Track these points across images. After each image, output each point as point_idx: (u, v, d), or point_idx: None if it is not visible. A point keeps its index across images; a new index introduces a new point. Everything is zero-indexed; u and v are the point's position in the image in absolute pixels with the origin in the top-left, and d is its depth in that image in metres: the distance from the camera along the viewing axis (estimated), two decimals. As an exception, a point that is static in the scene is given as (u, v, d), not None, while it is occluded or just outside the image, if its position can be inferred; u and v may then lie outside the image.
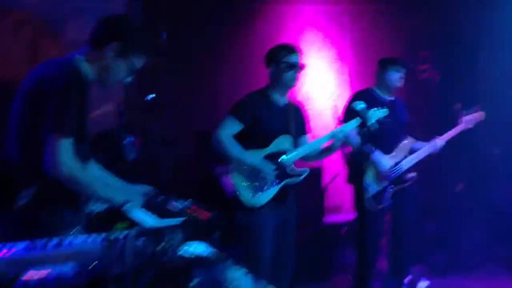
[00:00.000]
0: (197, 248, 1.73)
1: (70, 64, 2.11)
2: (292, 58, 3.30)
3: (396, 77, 4.00)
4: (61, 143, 1.99)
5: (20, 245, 1.56)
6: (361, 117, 2.07)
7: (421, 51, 5.12)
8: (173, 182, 4.46)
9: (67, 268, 1.47)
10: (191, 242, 1.82)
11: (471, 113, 4.09)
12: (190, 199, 2.46)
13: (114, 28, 2.19)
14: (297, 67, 3.30)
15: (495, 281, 4.71)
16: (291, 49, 3.33)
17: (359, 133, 2.01)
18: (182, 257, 1.53)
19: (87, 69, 2.15)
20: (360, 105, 2.12)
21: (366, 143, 2.03)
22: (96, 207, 3.40)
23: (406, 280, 4.24)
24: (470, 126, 4.09)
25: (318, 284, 4.61)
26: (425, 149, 3.99)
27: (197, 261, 1.55)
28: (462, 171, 5.10)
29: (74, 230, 2.09)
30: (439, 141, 4.01)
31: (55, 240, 1.64)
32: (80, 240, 1.67)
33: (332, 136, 3.26)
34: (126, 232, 1.63)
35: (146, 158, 4.39)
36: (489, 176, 5.29)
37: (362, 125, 2.05)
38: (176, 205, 2.36)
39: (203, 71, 5.55)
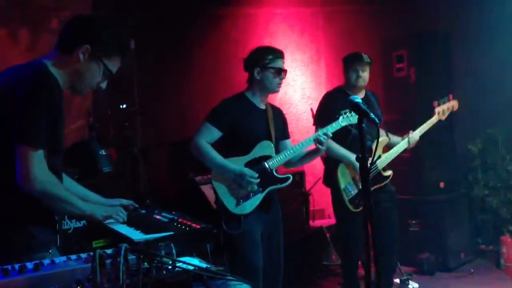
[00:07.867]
0: (192, 262, 1.58)
1: (39, 69, 1.91)
2: (279, 63, 3.19)
3: (355, 75, 3.75)
4: (31, 155, 1.80)
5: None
6: (360, 112, 1.94)
7: (396, 51, 5.08)
8: (151, 193, 4.29)
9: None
10: (182, 257, 1.68)
11: (444, 103, 3.96)
12: (175, 211, 2.32)
13: (84, 29, 2.00)
14: (283, 73, 3.20)
15: (482, 275, 4.70)
16: (278, 54, 3.22)
17: (355, 129, 1.89)
18: (181, 271, 1.38)
19: (57, 74, 1.95)
20: (357, 99, 2.00)
21: (364, 139, 1.90)
22: (73, 223, 3.20)
23: (395, 282, 4.16)
24: (444, 117, 3.95)
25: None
26: (400, 145, 3.84)
27: (197, 275, 1.40)
28: (441, 168, 5.08)
29: (50, 252, 1.90)
30: (414, 135, 3.84)
31: (30, 265, 1.47)
32: (61, 261, 1.50)
33: (315, 138, 3.16)
34: (112, 249, 1.47)
35: (121, 170, 4.19)
36: (468, 171, 5.30)
37: (360, 120, 1.92)
38: (162, 218, 2.22)
39: (173, 77, 5.41)
